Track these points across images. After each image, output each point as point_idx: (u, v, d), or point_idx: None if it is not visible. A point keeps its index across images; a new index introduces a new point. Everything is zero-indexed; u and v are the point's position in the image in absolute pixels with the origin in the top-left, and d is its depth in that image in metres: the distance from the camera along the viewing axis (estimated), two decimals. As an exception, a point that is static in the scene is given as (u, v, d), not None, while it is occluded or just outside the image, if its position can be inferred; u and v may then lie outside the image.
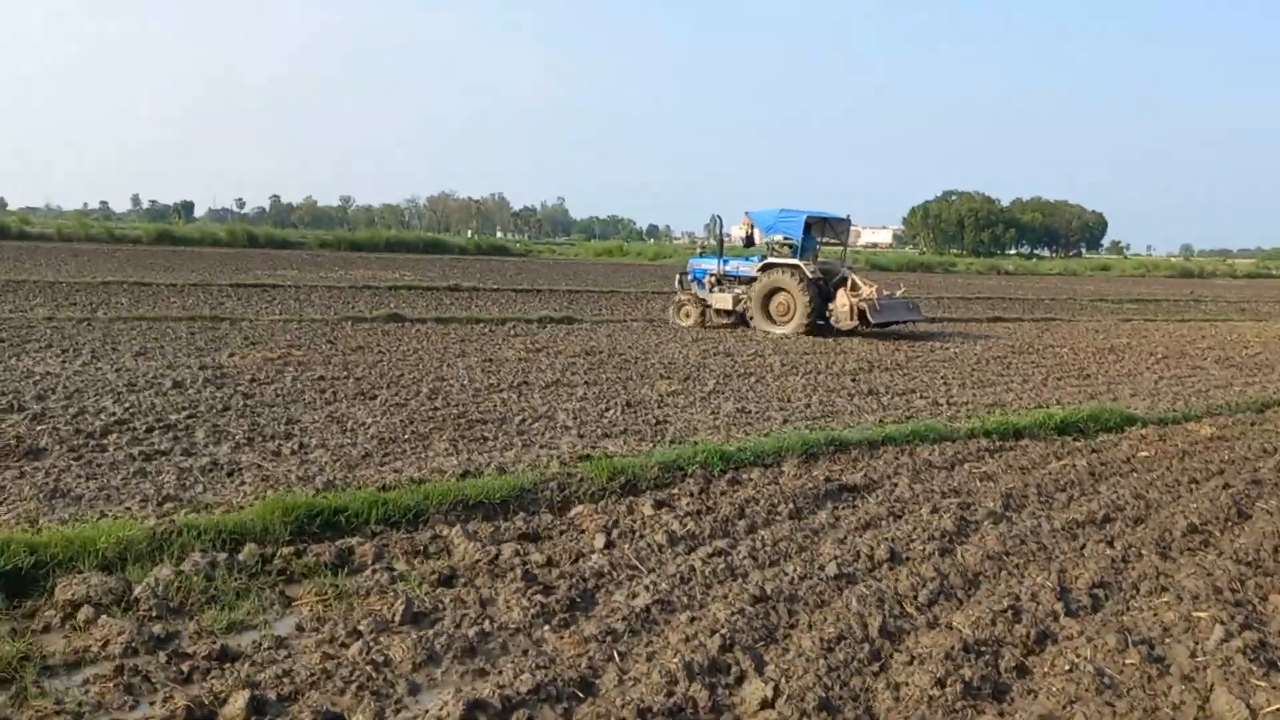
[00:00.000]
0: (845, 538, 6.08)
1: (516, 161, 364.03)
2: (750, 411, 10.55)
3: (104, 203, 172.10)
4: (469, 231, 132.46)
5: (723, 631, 4.53)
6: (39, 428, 8.18)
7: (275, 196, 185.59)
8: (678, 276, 22.38)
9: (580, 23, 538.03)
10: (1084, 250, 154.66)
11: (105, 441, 7.85)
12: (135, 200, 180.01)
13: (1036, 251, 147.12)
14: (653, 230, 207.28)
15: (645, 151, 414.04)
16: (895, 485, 7.33)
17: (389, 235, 69.91)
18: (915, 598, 5.06)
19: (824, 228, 21.13)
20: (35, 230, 53.65)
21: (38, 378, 10.62)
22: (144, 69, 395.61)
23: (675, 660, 4.24)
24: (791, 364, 14.60)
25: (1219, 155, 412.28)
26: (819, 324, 19.40)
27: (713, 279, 20.98)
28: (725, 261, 21.03)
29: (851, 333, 19.24)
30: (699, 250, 23.98)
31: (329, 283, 28.78)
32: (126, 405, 9.24)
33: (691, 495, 6.89)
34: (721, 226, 21.97)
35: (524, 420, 9.48)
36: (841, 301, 19.00)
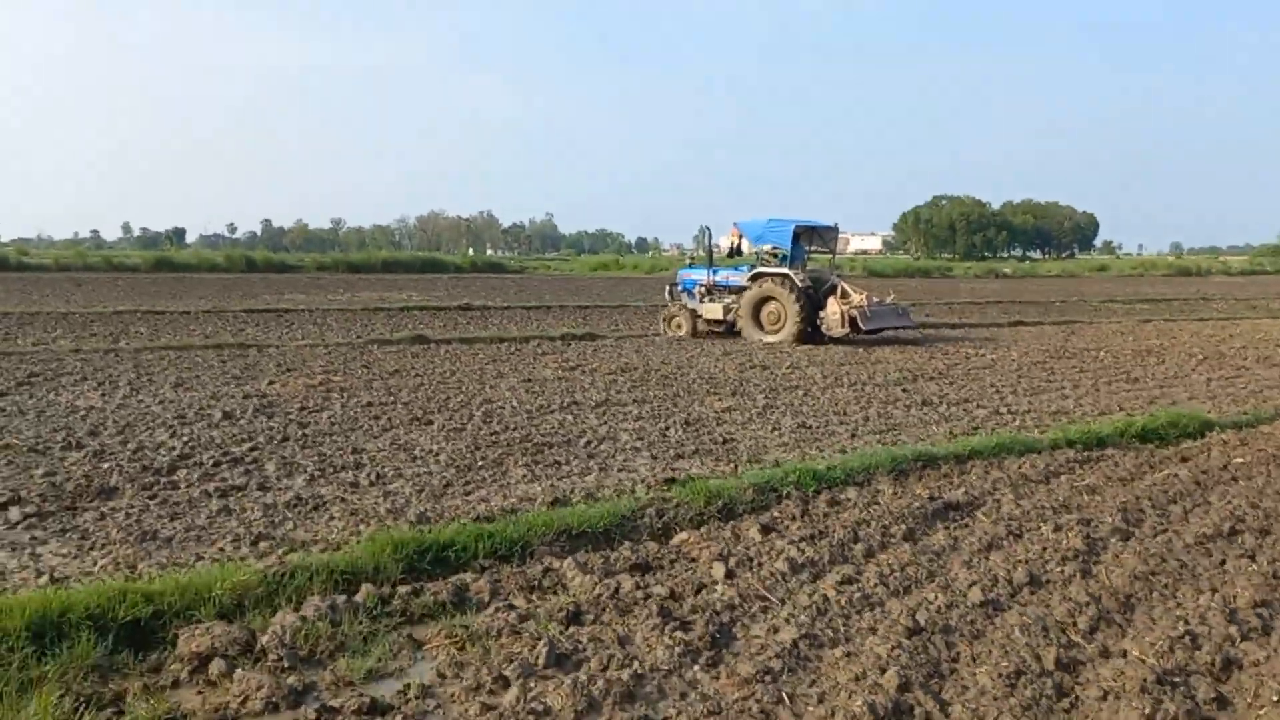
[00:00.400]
0: (972, 560, 5.87)
1: (504, 179, 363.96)
2: (811, 426, 10.35)
3: (95, 231, 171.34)
4: (468, 249, 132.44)
5: (892, 669, 4.30)
6: (103, 465, 7.95)
7: (267, 220, 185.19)
8: (667, 288, 22.81)
9: (563, 41, 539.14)
10: (1076, 251, 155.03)
11: (175, 478, 7.62)
12: (126, 228, 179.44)
13: (1029, 254, 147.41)
14: (642, 243, 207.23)
15: (630, 164, 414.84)
16: (999, 502, 7.13)
17: (385, 256, 69.67)
18: (1075, 624, 4.84)
19: (812, 236, 21.32)
20: (34, 261, 53.27)
21: (83, 412, 10.37)
22: (129, 95, 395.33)
23: (856, 702, 4.02)
24: (833, 376, 14.40)
25: (1205, 154, 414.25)
26: (810, 332, 19.48)
27: (702, 289, 21.31)
28: (715, 272, 21.30)
29: (844, 340, 19.28)
30: (688, 261, 24.25)
31: (339, 305, 28.55)
32: (184, 439, 9.00)
33: (795, 518, 6.68)
34: (710, 237, 22.14)
35: (589, 442, 9.26)
36: (832, 309, 19.12)
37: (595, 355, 16.71)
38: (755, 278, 20.09)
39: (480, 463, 8.27)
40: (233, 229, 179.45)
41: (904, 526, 6.44)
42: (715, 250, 21.92)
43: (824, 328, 19.25)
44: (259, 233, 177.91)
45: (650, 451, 8.86)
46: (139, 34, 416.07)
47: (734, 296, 20.60)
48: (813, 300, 19.51)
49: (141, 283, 41.82)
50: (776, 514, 6.75)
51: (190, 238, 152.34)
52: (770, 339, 19.47)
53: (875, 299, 19.85)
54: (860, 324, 18.80)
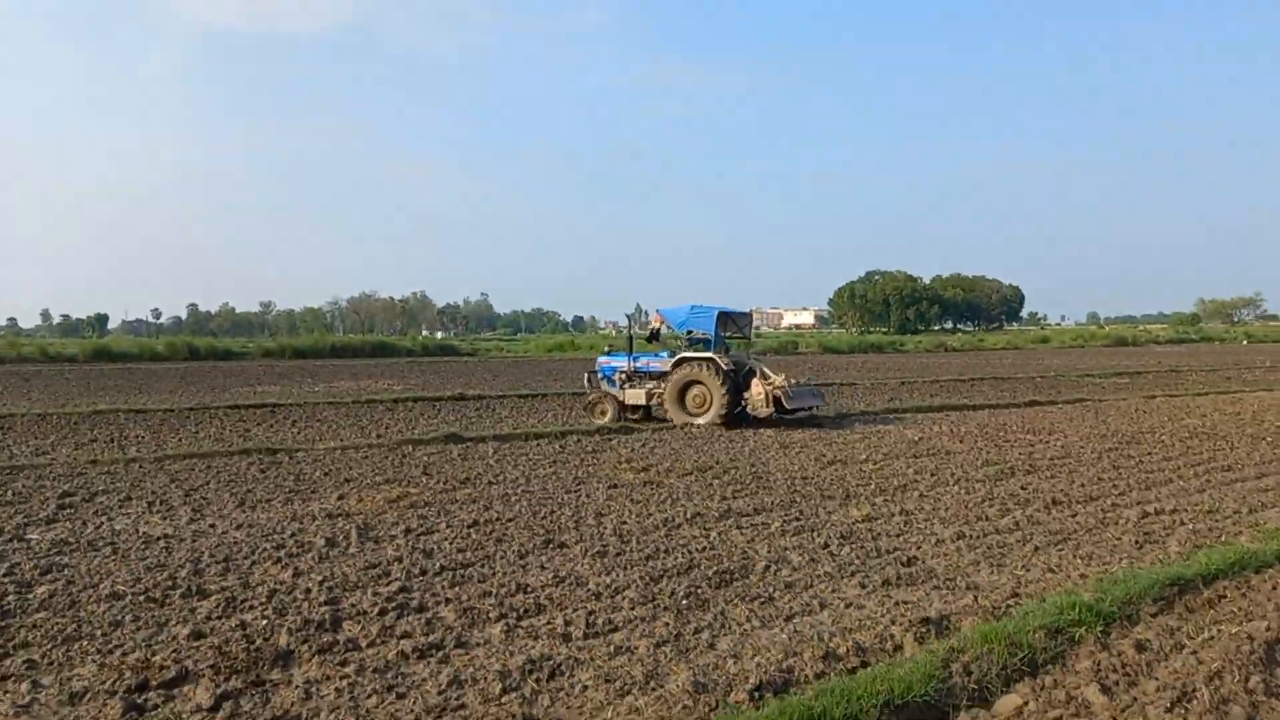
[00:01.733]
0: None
1: (435, 258, 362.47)
2: (973, 536, 9.58)
3: (12, 319, 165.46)
4: (426, 330, 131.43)
5: None
6: (249, 617, 6.83)
7: (193, 305, 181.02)
8: (586, 375, 23.20)
9: (494, 122, 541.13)
10: (1004, 322, 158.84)
11: (350, 635, 6.52)
12: (45, 315, 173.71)
13: (959, 326, 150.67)
14: (579, 321, 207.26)
15: (563, 242, 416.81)
16: (1311, 636, 6.37)
17: (334, 341, 68.29)
18: None
19: (727, 322, 21.84)
20: (-36, 353, 50.73)
21: (162, 543, 9.19)
22: (48, 176, 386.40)
23: None
24: (924, 469, 13.68)
25: (1115, 224, 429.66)
26: (735, 414, 19.93)
27: (623, 375, 21.70)
28: (635, 358, 21.69)
29: (767, 420, 19.78)
30: (606, 349, 24.66)
31: (326, 398, 27.35)
32: (314, 578, 7.87)
33: (1117, 670, 5.83)
34: (644, 316, 22.36)
35: (767, 568, 8.32)
36: (757, 390, 19.58)
37: (653, 452, 15.80)
38: (679, 363, 20.50)
39: (683, 603, 7.28)
40: (157, 314, 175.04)
41: (1259, 677, 5.63)
42: (643, 331, 22.56)
43: (749, 409, 19.71)
44: (184, 317, 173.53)
45: (856, 579, 7.94)
46: (55, 116, 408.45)
47: (656, 381, 21.13)
48: (735, 383, 19.97)
49: (90, 375, 40.00)
50: (1092, 664, 5.88)
51: (113, 324, 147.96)
52: (697, 421, 19.90)
53: (792, 380, 20.35)
54: (784, 403, 19.37)
